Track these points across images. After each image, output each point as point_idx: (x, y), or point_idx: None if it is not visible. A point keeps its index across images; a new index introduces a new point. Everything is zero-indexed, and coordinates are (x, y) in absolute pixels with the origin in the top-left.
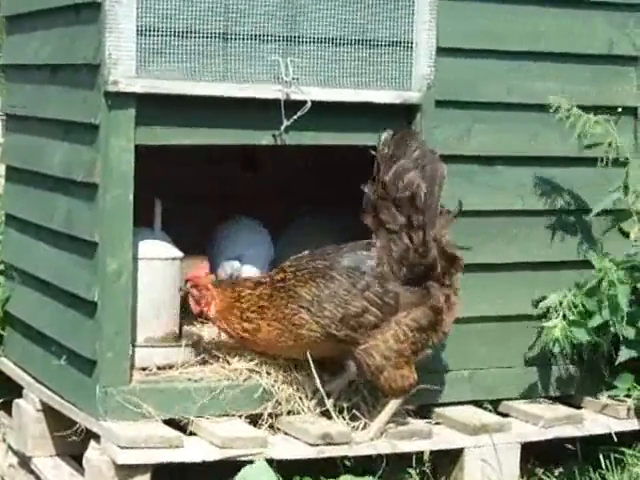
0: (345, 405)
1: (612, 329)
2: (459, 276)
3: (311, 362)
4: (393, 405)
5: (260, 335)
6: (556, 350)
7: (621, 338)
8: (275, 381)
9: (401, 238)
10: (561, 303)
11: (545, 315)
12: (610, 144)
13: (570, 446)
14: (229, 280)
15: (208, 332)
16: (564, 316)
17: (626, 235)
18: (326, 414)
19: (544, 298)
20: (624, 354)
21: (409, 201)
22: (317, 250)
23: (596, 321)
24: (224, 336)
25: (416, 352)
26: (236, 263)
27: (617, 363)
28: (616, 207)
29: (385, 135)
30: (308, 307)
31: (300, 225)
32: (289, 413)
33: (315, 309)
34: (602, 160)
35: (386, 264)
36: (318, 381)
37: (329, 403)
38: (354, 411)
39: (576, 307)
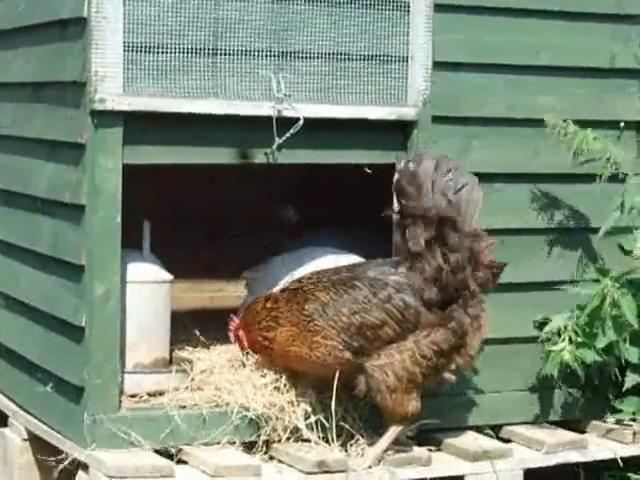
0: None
1: (616, 352)
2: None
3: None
4: (393, 432)
5: (277, 341)
6: (560, 373)
7: (623, 362)
8: (270, 408)
9: (435, 258)
10: (566, 327)
11: (549, 339)
12: (608, 160)
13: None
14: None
15: (199, 357)
16: (570, 339)
17: (626, 252)
18: (325, 440)
19: (546, 320)
20: (630, 380)
21: (446, 222)
22: (343, 265)
23: (602, 342)
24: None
25: (429, 376)
26: None
27: (624, 389)
28: (616, 225)
29: (414, 154)
30: (324, 310)
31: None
32: (287, 440)
33: (331, 314)
34: (600, 177)
35: (416, 282)
36: (334, 402)
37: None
38: (355, 437)
39: (581, 329)
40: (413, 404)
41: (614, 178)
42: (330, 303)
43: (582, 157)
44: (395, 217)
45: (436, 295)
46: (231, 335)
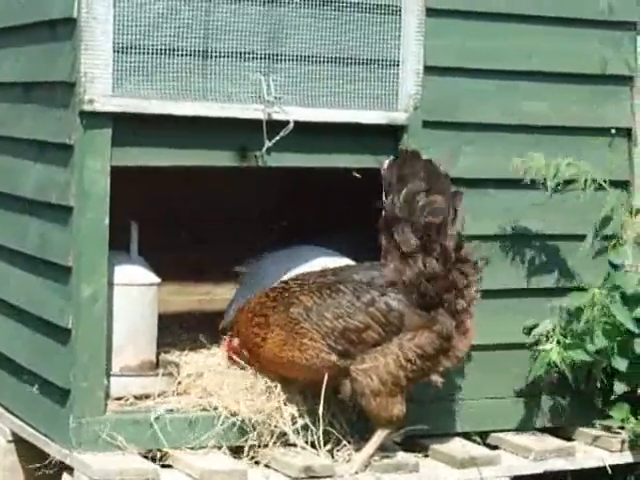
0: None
1: (605, 356)
2: (475, 300)
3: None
4: (379, 437)
5: (267, 345)
6: (549, 375)
7: (610, 369)
8: (257, 413)
9: (416, 262)
10: (554, 329)
11: (537, 343)
12: (585, 181)
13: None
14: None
15: (186, 361)
16: (558, 341)
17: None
18: (312, 445)
19: (535, 325)
20: (619, 389)
21: (427, 226)
22: (330, 268)
23: (592, 350)
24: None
25: (414, 380)
26: None
27: (612, 398)
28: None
29: (394, 157)
30: (308, 315)
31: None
32: (274, 445)
33: (315, 318)
34: (583, 189)
35: (398, 285)
36: (321, 407)
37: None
38: (342, 442)
39: (571, 332)
40: (398, 407)
41: (598, 188)
42: (314, 307)
43: (561, 186)
44: (386, 218)
45: (416, 299)
46: (225, 349)
